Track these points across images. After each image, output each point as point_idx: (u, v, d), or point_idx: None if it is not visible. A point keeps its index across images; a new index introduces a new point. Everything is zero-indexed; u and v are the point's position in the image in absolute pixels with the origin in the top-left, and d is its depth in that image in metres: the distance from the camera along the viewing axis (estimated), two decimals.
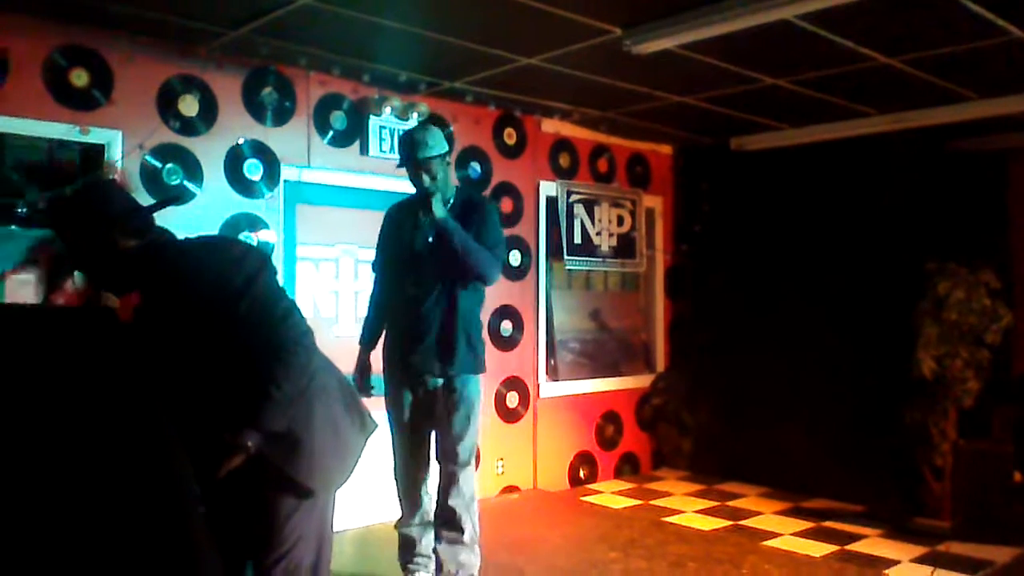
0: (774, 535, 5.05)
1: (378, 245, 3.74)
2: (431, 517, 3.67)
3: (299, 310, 2.33)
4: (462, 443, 3.53)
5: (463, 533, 3.54)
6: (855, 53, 4.26)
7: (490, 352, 4.70)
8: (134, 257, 2.27)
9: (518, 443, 5.91)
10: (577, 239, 6.28)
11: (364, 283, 4.90)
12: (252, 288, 2.22)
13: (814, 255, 6.08)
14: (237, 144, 4.59)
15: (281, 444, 2.26)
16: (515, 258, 5.91)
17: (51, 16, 3.94)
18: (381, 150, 5.11)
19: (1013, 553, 4.65)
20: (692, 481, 6.48)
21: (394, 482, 3.70)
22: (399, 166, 3.56)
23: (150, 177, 4.27)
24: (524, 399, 5.94)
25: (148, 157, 4.27)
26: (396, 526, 3.75)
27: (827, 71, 4.61)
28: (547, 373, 6.15)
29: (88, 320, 1.88)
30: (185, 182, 4.39)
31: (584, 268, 6.45)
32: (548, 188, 6.14)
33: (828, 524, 5.32)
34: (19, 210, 3.90)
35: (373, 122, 5.08)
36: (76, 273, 3.46)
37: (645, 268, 6.88)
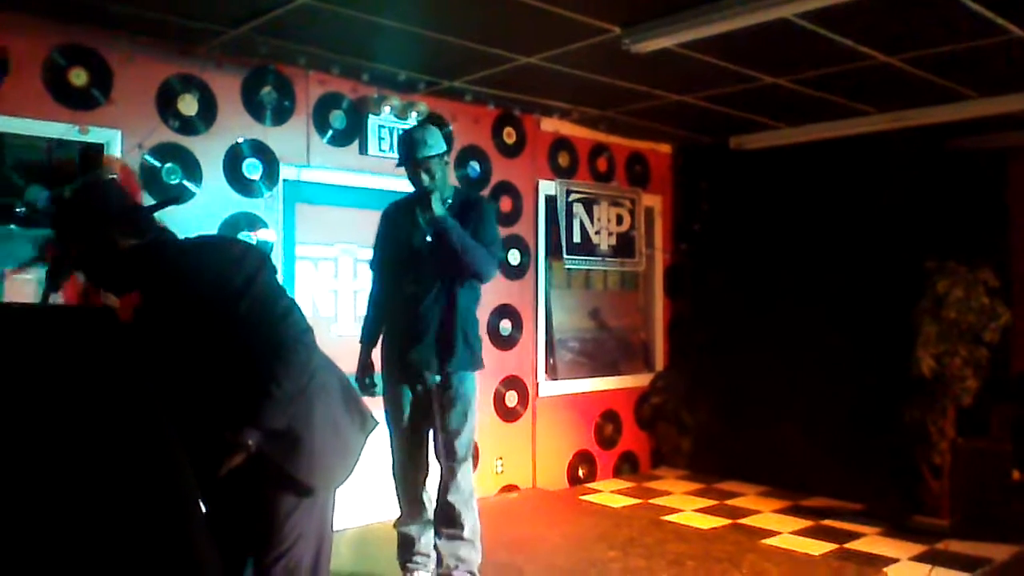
0: (773, 533, 5.06)
1: (376, 244, 3.75)
2: (430, 516, 3.67)
3: (299, 309, 2.33)
4: (459, 439, 3.55)
5: (462, 529, 3.55)
6: (854, 52, 4.26)
7: (489, 351, 4.71)
8: (134, 256, 2.27)
9: (517, 442, 5.91)
10: (576, 238, 6.28)
11: (363, 282, 4.90)
12: (252, 287, 2.22)
13: (813, 254, 6.08)
14: (236, 143, 4.59)
15: (282, 442, 2.27)
16: (514, 257, 5.91)
17: (50, 15, 3.94)
18: (380, 149, 5.11)
19: (1011, 551, 4.66)
20: (691, 480, 6.48)
21: (393, 481, 3.70)
22: (398, 165, 3.56)
23: (149, 176, 4.27)
24: (523, 398, 5.94)
25: (147, 156, 4.27)
26: (395, 525, 3.75)
27: (826, 70, 4.61)
28: (546, 372, 6.16)
29: (88, 320, 1.88)
30: (184, 181, 4.38)
31: (583, 267, 6.45)
32: (547, 187, 6.14)
33: (827, 522, 5.32)
34: (18, 210, 3.90)
35: (372, 121, 5.08)
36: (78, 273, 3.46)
37: (644, 267, 6.89)
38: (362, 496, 4.50)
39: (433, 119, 5.24)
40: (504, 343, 5.83)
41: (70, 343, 1.74)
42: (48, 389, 1.64)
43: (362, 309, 3.95)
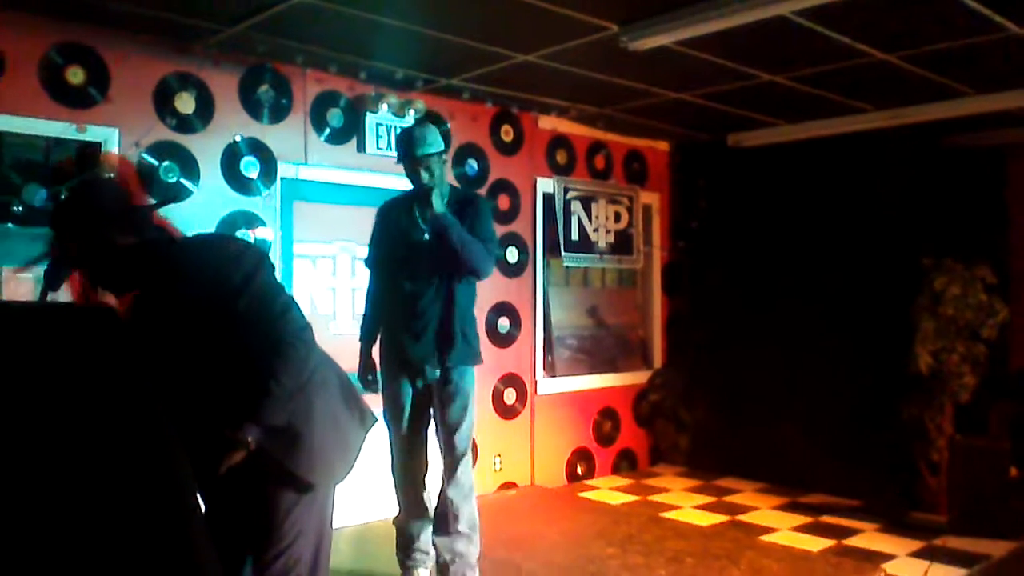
0: (771, 530, 5.07)
1: (371, 242, 3.75)
2: (429, 513, 3.68)
3: (297, 306, 2.33)
4: (459, 433, 3.56)
5: (461, 523, 3.56)
6: (852, 49, 4.27)
7: (488, 349, 4.71)
8: (132, 255, 2.27)
9: (516, 439, 5.91)
10: (574, 236, 6.28)
11: (361, 280, 4.89)
12: (251, 285, 2.22)
13: (811, 251, 6.09)
14: (234, 141, 4.58)
15: (282, 438, 2.27)
16: (512, 255, 5.91)
17: (47, 13, 3.93)
18: (378, 147, 5.11)
19: (1009, 547, 4.67)
20: (689, 477, 6.49)
21: (392, 478, 3.71)
22: (398, 162, 3.57)
23: (146, 175, 4.26)
24: (522, 396, 5.95)
25: (145, 155, 4.26)
26: (394, 522, 3.76)
27: (824, 67, 4.61)
28: (544, 370, 6.16)
29: (87, 318, 1.87)
30: (182, 180, 4.38)
31: (581, 265, 6.45)
32: (545, 185, 6.14)
33: (825, 519, 5.33)
34: (15, 208, 3.90)
35: (370, 119, 5.07)
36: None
37: (642, 264, 6.89)
38: (361, 493, 4.50)
39: (431, 117, 5.27)
40: (502, 341, 5.83)
41: (69, 341, 1.74)
42: (46, 388, 1.64)
43: (360, 307, 3.95)
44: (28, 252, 3.93)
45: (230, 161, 4.57)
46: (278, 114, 4.76)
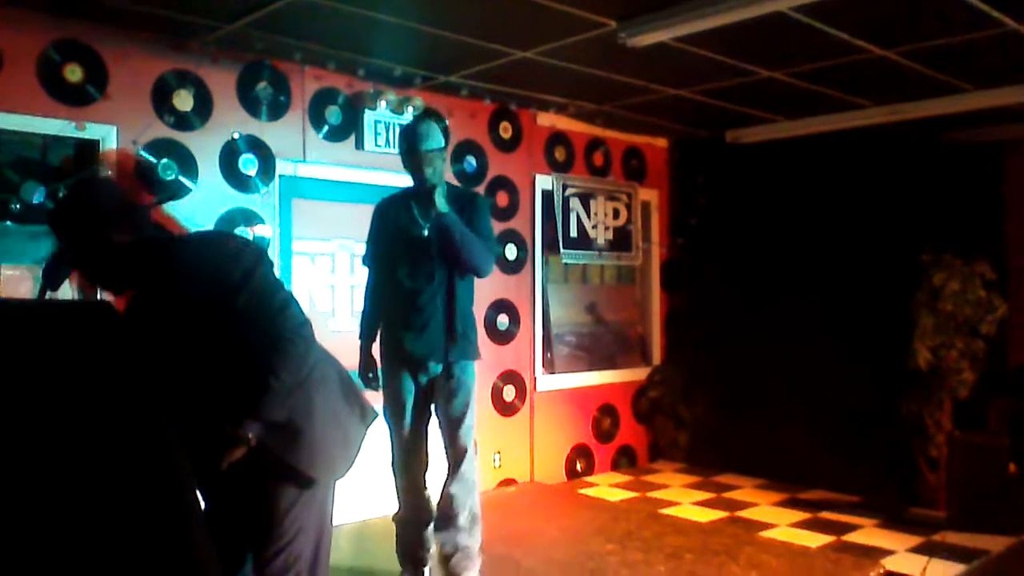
0: (771, 526, 5.08)
1: (369, 239, 3.75)
2: (430, 509, 3.68)
3: (296, 302, 2.34)
4: (462, 427, 3.57)
5: (462, 517, 3.57)
6: (850, 45, 4.27)
7: (487, 346, 4.73)
8: (131, 253, 2.27)
9: (515, 436, 5.92)
10: (573, 233, 6.28)
11: (360, 277, 4.89)
12: (250, 281, 2.22)
13: (810, 247, 6.09)
14: (232, 139, 4.58)
15: (282, 434, 2.28)
16: (511, 252, 5.91)
17: (45, 10, 3.93)
18: (376, 144, 5.11)
19: (1008, 543, 4.68)
20: (688, 473, 6.49)
21: (392, 475, 3.71)
22: (401, 156, 3.57)
23: (145, 172, 4.26)
24: (521, 393, 5.95)
25: (143, 152, 4.26)
26: (394, 518, 3.76)
27: (822, 63, 4.61)
28: (543, 366, 6.16)
29: (87, 315, 1.87)
30: (180, 177, 4.37)
31: (580, 261, 6.46)
32: (544, 182, 6.14)
33: (824, 515, 5.34)
34: (13, 206, 3.89)
35: (368, 116, 5.07)
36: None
37: (641, 261, 6.89)
38: (361, 490, 4.50)
39: (429, 114, 5.27)
40: (501, 338, 5.83)
41: (67, 339, 1.73)
42: (44, 385, 1.64)
43: (359, 304, 3.95)
44: (26, 250, 3.93)
45: (228, 158, 4.56)
46: (276, 111, 4.75)
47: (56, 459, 1.58)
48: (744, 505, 5.57)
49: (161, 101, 4.33)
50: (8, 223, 3.91)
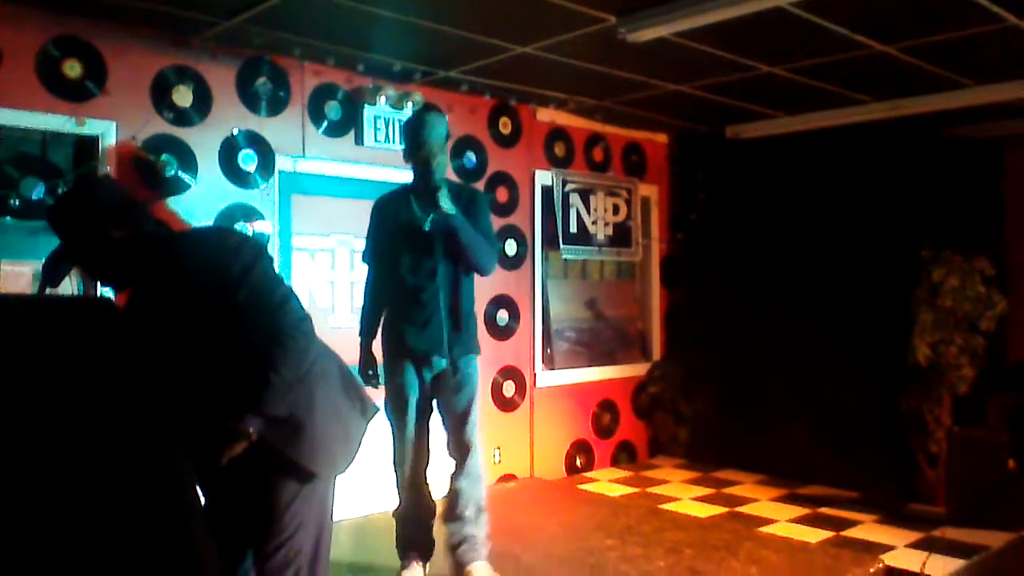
0: (770, 522, 5.08)
1: (368, 236, 3.75)
2: (430, 504, 3.69)
3: (296, 297, 2.34)
4: (468, 422, 3.59)
5: (469, 509, 3.59)
6: (850, 40, 4.26)
7: (486, 341, 4.73)
8: (131, 249, 2.27)
9: (515, 432, 5.92)
10: (573, 228, 6.28)
11: (360, 273, 4.89)
12: (249, 277, 2.23)
13: (810, 243, 6.09)
14: (231, 135, 4.57)
15: (283, 429, 2.28)
16: (511, 247, 5.91)
17: (44, 6, 3.92)
18: (376, 140, 5.10)
19: (1007, 538, 4.69)
20: (688, 469, 6.50)
21: (393, 470, 3.71)
22: (404, 150, 3.57)
23: (144, 168, 4.25)
24: (521, 388, 5.95)
25: (142, 148, 4.25)
26: (394, 514, 3.76)
27: (822, 59, 4.60)
28: (543, 362, 6.17)
29: (86, 311, 1.87)
30: (180, 173, 4.37)
31: (580, 257, 6.46)
32: (543, 177, 6.13)
33: (824, 510, 5.35)
34: (12, 202, 3.89)
35: (368, 112, 5.06)
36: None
37: (641, 257, 6.89)
38: (361, 486, 4.51)
39: (430, 109, 5.25)
40: (501, 333, 5.83)
41: (66, 335, 1.73)
42: (44, 381, 1.64)
43: (359, 300, 3.95)
44: (25, 246, 3.93)
45: (228, 154, 4.56)
46: (276, 107, 4.75)
47: (55, 456, 1.58)
48: (744, 501, 5.58)
49: (160, 97, 4.33)
50: (8, 219, 3.91)
